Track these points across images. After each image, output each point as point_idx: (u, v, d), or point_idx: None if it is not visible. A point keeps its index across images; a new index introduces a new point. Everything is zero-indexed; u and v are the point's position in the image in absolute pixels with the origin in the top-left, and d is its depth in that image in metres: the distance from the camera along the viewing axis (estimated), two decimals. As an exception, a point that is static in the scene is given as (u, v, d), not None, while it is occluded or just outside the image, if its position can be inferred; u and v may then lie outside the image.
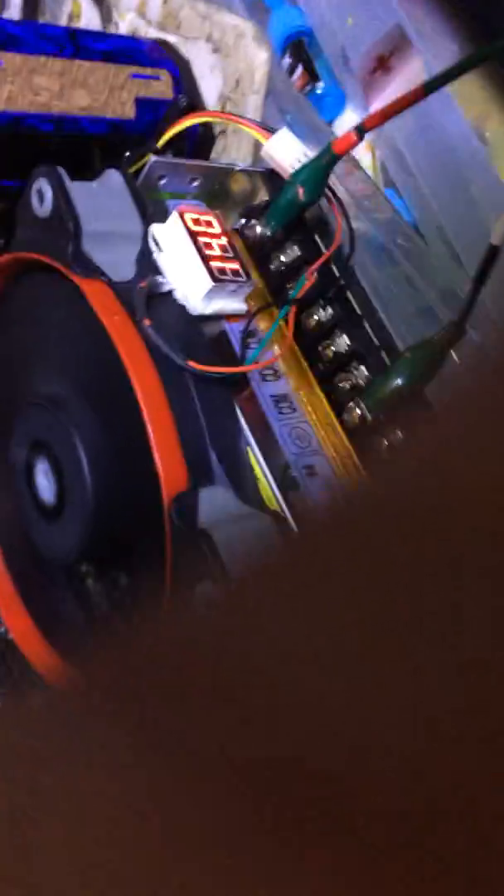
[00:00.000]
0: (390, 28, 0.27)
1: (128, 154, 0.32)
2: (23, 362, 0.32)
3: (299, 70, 0.51)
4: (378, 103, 0.27)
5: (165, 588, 0.25)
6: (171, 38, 0.36)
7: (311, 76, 0.50)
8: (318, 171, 0.28)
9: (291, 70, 0.51)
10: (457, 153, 0.46)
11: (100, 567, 0.31)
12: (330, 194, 0.30)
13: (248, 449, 0.27)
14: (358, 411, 0.28)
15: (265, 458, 0.27)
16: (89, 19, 0.41)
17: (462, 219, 0.44)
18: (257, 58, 0.32)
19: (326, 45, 0.49)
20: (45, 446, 0.29)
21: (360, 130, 0.27)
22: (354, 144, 0.27)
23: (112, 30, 0.39)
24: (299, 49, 0.51)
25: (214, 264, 0.27)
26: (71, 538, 0.29)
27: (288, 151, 0.29)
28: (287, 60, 0.51)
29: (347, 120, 0.50)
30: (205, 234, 0.27)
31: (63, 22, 0.43)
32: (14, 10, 0.45)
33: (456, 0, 0.50)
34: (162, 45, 0.35)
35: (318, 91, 0.50)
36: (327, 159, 0.28)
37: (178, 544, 0.25)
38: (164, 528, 0.25)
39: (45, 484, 0.30)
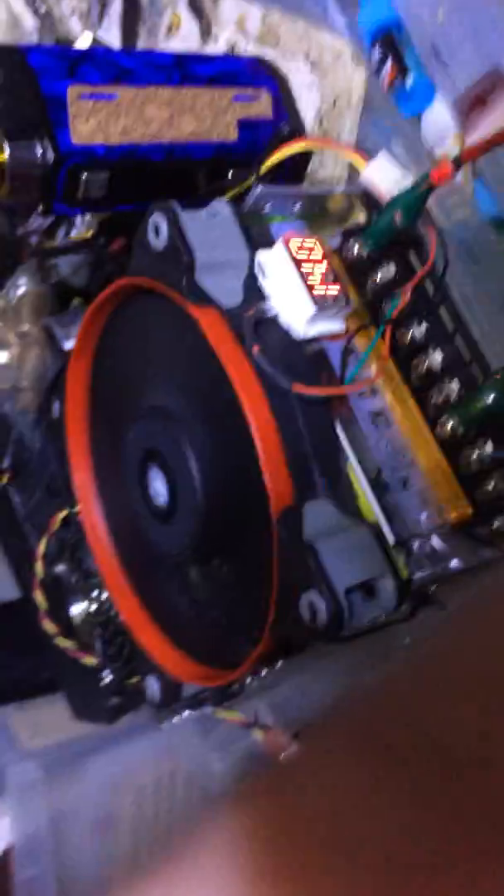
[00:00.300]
0: (489, 70, 0.28)
1: (231, 176, 0.34)
2: (135, 375, 0.34)
3: (389, 63, 0.51)
4: (476, 135, 0.28)
5: (272, 596, 0.27)
6: (270, 54, 0.37)
7: (401, 69, 0.51)
8: (415, 199, 0.29)
9: (381, 63, 0.52)
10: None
11: (205, 559, 0.34)
12: (425, 215, 0.31)
13: (348, 463, 0.29)
14: (450, 425, 0.30)
15: (363, 471, 0.29)
16: (188, 31, 0.42)
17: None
18: (355, 78, 0.34)
19: (416, 37, 0.50)
20: (158, 454, 0.32)
21: (457, 162, 0.28)
22: (451, 175, 0.28)
23: (211, 43, 0.41)
24: (389, 42, 0.51)
25: (317, 290, 0.29)
26: (181, 539, 0.32)
27: (386, 177, 0.31)
28: (377, 53, 0.52)
29: (436, 112, 0.50)
30: (308, 259, 0.29)
31: (162, 32, 0.44)
32: (114, 19, 0.47)
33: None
34: (261, 62, 0.37)
35: (408, 85, 0.51)
36: (424, 188, 0.29)
37: (284, 553, 0.27)
38: (269, 535, 0.28)
39: (158, 489, 0.33)
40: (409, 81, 0.50)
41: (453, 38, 0.47)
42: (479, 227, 0.43)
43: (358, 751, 0.11)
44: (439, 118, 0.49)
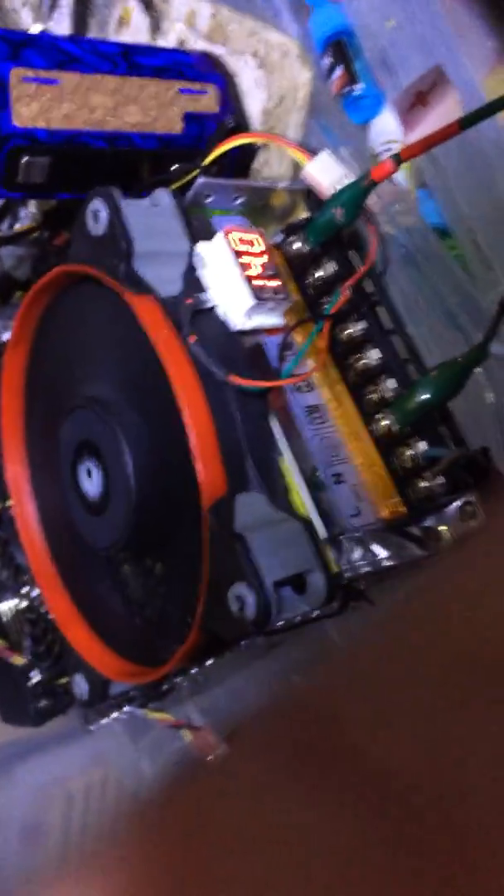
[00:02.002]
0: (429, 68, 0.28)
1: (175, 168, 0.34)
2: (72, 365, 0.34)
3: (339, 70, 0.52)
4: (416, 133, 0.28)
5: (202, 586, 0.27)
6: (218, 51, 0.37)
7: (351, 77, 0.52)
8: (356, 195, 0.30)
9: (331, 70, 0.52)
10: (489, 157, 0.47)
11: (137, 555, 0.34)
12: (366, 214, 0.31)
13: (281, 457, 0.29)
14: (385, 422, 0.30)
15: (296, 466, 0.29)
16: (138, 26, 0.42)
17: (492, 222, 0.46)
18: (301, 77, 0.34)
19: (367, 46, 0.50)
20: (92, 445, 0.32)
21: (397, 160, 0.28)
22: (391, 172, 0.28)
23: (160, 37, 0.41)
24: (340, 49, 0.52)
25: (256, 283, 0.29)
26: (114, 531, 0.32)
27: (328, 174, 0.31)
28: (327, 60, 0.52)
29: (384, 121, 0.51)
30: (248, 253, 0.29)
31: (112, 25, 0.44)
32: (64, 14, 0.47)
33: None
34: (209, 57, 0.37)
35: (357, 92, 0.51)
36: (365, 184, 0.29)
37: (214, 545, 0.27)
38: (202, 529, 0.27)
39: (91, 480, 0.32)
40: (359, 89, 0.51)
41: (402, 49, 0.48)
42: (422, 233, 0.43)
43: (282, 755, 0.11)
44: (387, 126, 0.49)
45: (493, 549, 0.13)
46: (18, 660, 0.43)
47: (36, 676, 0.42)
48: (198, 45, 0.38)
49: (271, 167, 0.37)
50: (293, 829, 0.10)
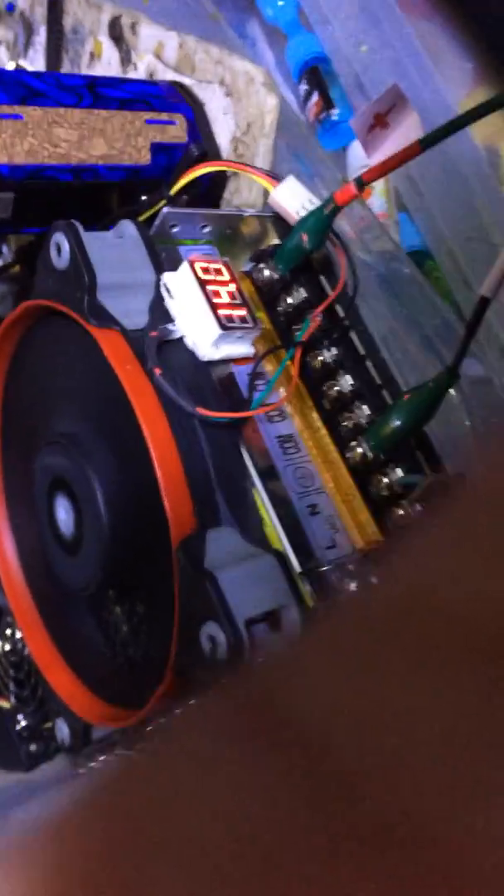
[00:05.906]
0: (388, 87, 0.28)
1: (143, 199, 0.34)
2: (44, 400, 0.33)
3: (315, 97, 0.52)
4: (377, 156, 0.28)
5: (175, 625, 0.26)
6: (187, 81, 0.37)
7: (327, 103, 0.52)
8: (321, 220, 0.29)
9: (307, 97, 0.52)
10: (467, 179, 0.47)
11: (118, 594, 0.33)
12: (335, 238, 0.31)
13: (254, 489, 0.28)
14: (360, 450, 0.29)
15: (270, 498, 0.28)
16: (109, 59, 0.42)
17: (472, 242, 0.45)
18: (267, 103, 0.33)
19: (341, 72, 0.50)
20: (64, 482, 0.31)
21: (360, 183, 0.28)
22: (355, 196, 0.28)
23: (131, 70, 0.41)
24: (315, 76, 0.52)
25: (223, 312, 0.28)
26: (88, 570, 0.31)
27: (294, 199, 0.30)
28: (303, 87, 0.52)
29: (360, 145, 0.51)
30: (214, 282, 0.29)
31: (85, 60, 0.44)
32: (39, 49, 0.47)
33: (468, 18, 0.50)
34: (177, 87, 0.37)
35: (333, 118, 0.51)
36: (330, 209, 0.29)
37: (185, 584, 0.26)
38: (173, 568, 0.27)
39: (64, 518, 0.31)
40: (335, 114, 0.51)
41: (376, 73, 0.48)
42: (397, 258, 0.43)
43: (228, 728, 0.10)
44: (363, 151, 0.49)
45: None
46: (5, 703, 0.42)
47: (23, 720, 0.41)
48: (167, 75, 0.38)
49: (242, 195, 0.37)
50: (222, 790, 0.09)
